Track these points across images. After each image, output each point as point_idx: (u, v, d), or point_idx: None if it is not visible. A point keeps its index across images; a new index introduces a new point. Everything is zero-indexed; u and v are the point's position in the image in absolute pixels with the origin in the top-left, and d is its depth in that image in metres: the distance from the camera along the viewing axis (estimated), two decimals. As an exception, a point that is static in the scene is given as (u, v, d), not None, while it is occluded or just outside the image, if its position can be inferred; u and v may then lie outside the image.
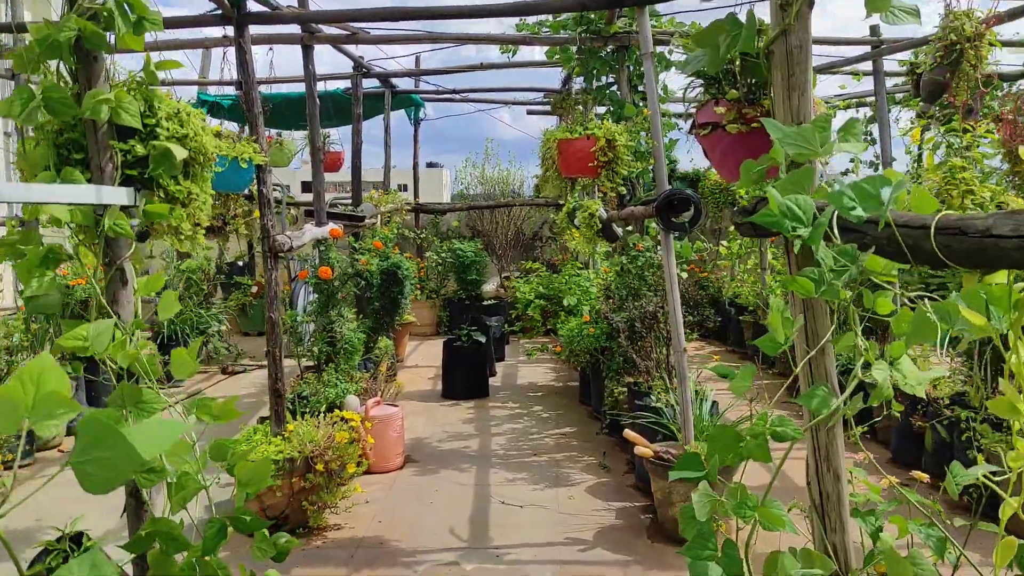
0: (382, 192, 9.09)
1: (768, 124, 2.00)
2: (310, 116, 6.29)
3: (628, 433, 4.73)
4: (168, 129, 2.44)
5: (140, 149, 2.39)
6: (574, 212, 9.72)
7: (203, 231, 2.71)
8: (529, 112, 11.36)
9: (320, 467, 4.51)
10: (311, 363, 6.35)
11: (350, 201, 8.24)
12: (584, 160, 4.39)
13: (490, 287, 11.70)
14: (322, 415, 5.09)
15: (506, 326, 8.60)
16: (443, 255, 11.12)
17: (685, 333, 5.51)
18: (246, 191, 4.79)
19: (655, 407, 5.24)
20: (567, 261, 8.59)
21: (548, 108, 11.06)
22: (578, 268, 7.90)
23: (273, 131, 7.21)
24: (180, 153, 2.39)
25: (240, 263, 11.77)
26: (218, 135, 4.55)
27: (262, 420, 5.07)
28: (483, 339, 7.81)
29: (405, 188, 12.64)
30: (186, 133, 2.48)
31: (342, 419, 4.89)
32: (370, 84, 9.82)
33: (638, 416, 5.18)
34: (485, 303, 10.19)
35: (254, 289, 11.10)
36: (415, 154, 11.46)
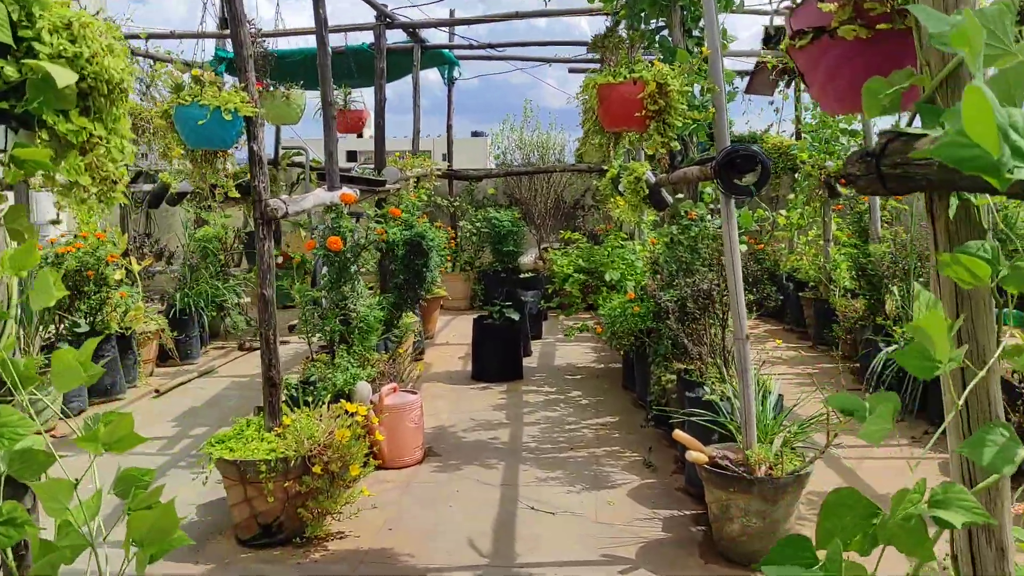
0: (409, 155, 8.42)
1: (920, 11, 1.25)
2: (321, 67, 5.61)
3: (678, 434, 4.02)
4: (52, 46, 1.76)
5: (11, 72, 1.72)
6: (619, 178, 8.94)
7: (119, 189, 2.04)
8: (571, 71, 10.56)
9: (318, 469, 3.89)
10: (325, 342, 5.73)
11: (373, 166, 7.58)
12: (630, 109, 3.65)
13: (527, 259, 11.00)
14: (326, 406, 4.47)
15: (543, 303, 7.90)
16: (478, 224, 10.44)
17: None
18: (235, 148, 4.13)
19: (709, 400, 4.52)
20: (610, 231, 7.84)
21: (592, 66, 10.25)
22: (622, 239, 7.16)
23: (283, 87, 6.57)
24: (64, 78, 1.72)
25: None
26: (198, 80, 3.89)
27: (259, 410, 4.46)
28: (516, 316, 7.13)
29: (445, 158, 11.95)
30: (79, 52, 1.80)
31: (347, 412, 4.25)
32: (398, 39, 9.11)
33: (690, 413, 4.46)
34: (522, 276, 9.50)
35: (279, 259, 10.54)
36: (448, 115, 10.74)
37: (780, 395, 4.58)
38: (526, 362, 7.62)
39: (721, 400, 4.49)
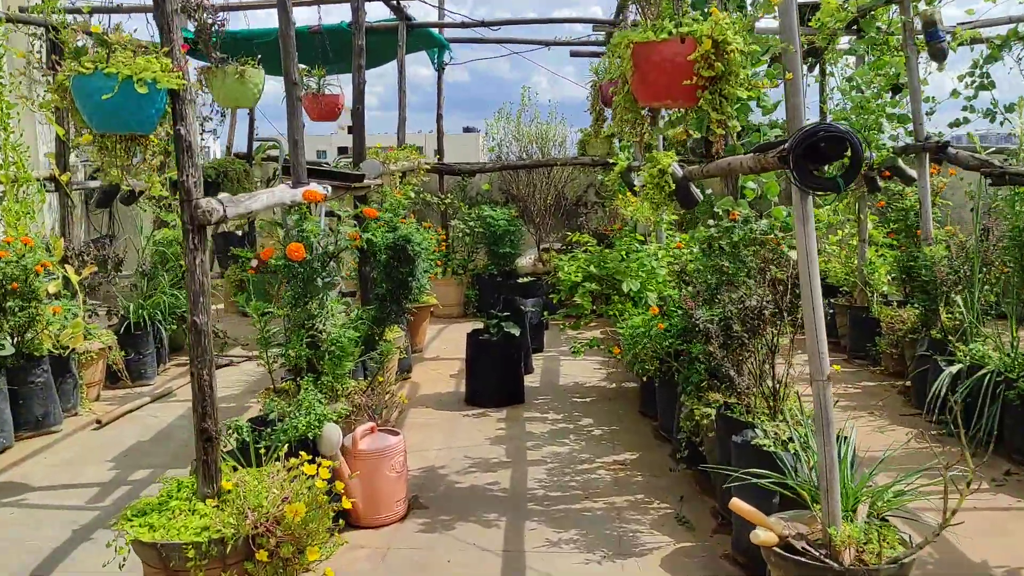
0: (393, 148, 7.47)
1: None
2: (282, 37, 4.65)
3: (737, 505, 3.08)
4: None
5: None
6: (629, 171, 8.00)
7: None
8: (573, 54, 9.62)
9: (264, 555, 2.95)
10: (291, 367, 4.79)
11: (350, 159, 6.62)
12: (676, 75, 2.72)
13: (526, 261, 10.06)
14: (283, 459, 3.53)
15: (545, 314, 6.95)
16: (471, 224, 9.49)
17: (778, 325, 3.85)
18: (157, 131, 3.18)
19: (762, 447, 3.60)
20: (621, 232, 6.92)
21: (599, 49, 9.31)
22: (637, 241, 6.23)
23: (235, 62, 5.59)
24: None
25: (239, 232, 10.28)
26: (103, 41, 2.93)
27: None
28: (517, 331, 6.19)
29: (437, 153, 11.02)
30: None
31: (310, 466, 3.30)
32: (381, 16, 8.16)
33: (737, 463, 3.54)
34: (520, 281, 8.56)
35: (253, 263, 9.57)
36: (438, 104, 9.79)
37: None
38: (528, 380, 6.69)
39: (778, 447, 3.57)
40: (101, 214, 10.04)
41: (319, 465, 3.32)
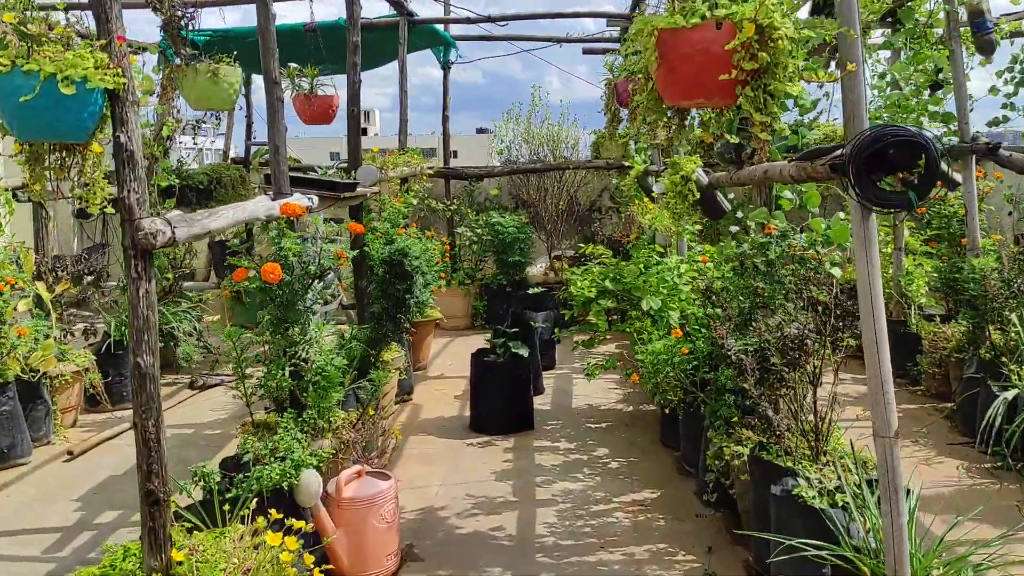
0: (392, 152, 6.98)
1: None
2: (261, 32, 4.18)
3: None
4: None
5: None
6: (646, 176, 7.49)
7: None
8: (586, 51, 9.10)
9: (216, 646, 2.46)
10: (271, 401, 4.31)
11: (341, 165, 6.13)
12: (710, 68, 2.22)
13: (536, 270, 9.56)
14: (251, 517, 3.04)
15: (557, 332, 6.44)
16: (478, 231, 8.99)
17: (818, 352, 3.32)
18: (99, 138, 2.70)
19: (806, 501, 3.09)
20: (638, 241, 6.40)
21: (612, 46, 8.80)
22: (656, 253, 5.72)
23: (208, 59, 5.10)
24: None
25: (238, 240, 9.82)
26: (24, 33, 2.45)
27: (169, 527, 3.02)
28: (525, 352, 5.69)
29: (456, 155, 10.56)
30: None
31: (285, 519, 2.81)
32: (383, 13, 7.68)
33: (781, 524, 3.03)
34: (530, 292, 8.04)
35: (251, 273, 9.13)
36: (444, 105, 9.29)
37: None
38: (537, 402, 6.18)
39: (831, 505, 3.06)
40: (95, 222, 9.62)
41: (287, 530, 2.83)
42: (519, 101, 9.50)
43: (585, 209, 9.78)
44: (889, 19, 6.67)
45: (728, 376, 4.05)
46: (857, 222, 2.37)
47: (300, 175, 4.77)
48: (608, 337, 6.14)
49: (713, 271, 4.77)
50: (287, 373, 4.13)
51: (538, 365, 6.54)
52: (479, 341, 8.56)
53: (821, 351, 3.44)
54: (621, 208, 9.22)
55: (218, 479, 3.46)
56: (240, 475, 3.51)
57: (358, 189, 5.32)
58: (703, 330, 4.94)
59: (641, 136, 8.87)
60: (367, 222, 6.21)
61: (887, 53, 6.98)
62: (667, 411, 4.92)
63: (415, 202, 7.16)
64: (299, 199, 4.25)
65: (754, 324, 3.46)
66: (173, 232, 2.65)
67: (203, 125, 8.77)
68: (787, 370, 3.38)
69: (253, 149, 9.47)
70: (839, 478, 3.32)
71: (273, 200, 4.22)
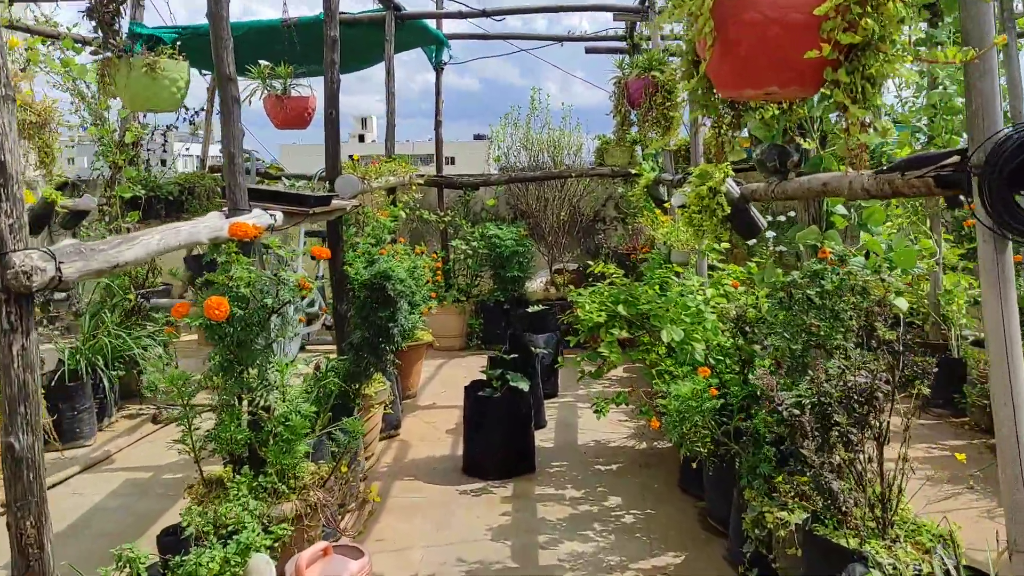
0: (377, 160, 6.31)
1: None
2: (212, 20, 3.51)
3: None
4: None
5: None
6: (656, 185, 6.83)
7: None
8: (589, 50, 8.45)
9: None
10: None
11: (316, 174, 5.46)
12: (790, 44, 1.57)
13: (536, 285, 8.90)
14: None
15: (560, 360, 5.75)
16: (474, 244, 8.34)
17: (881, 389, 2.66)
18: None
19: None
20: (652, 258, 5.74)
21: (618, 44, 8.15)
22: (673, 273, 5.06)
23: (147, 51, 4.43)
24: None
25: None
26: None
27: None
28: (525, 386, 5.02)
29: (453, 162, 9.89)
30: None
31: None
32: (367, 8, 7.02)
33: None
34: (530, 309, 7.38)
35: (192, 309, 8.47)
36: (437, 110, 8.65)
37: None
38: (539, 438, 5.52)
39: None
40: (67, 236, 8.95)
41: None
42: (517, 104, 8.81)
43: (588, 220, 9.13)
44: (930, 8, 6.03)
45: (763, 421, 3.41)
46: (988, 255, 1.72)
47: (263, 188, 4.11)
48: (622, 368, 5.48)
49: (744, 298, 4.11)
50: (243, 424, 3.48)
51: (539, 396, 5.88)
52: (474, 364, 7.91)
53: (891, 404, 2.78)
54: (628, 219, 8.57)
55: (148, 564, 2.81)
56: (178, 558, 2.85)
57: (335, 202, 4.66)
58: (727, 361, 4.28)
59: (651, 141, 8.23)
60: (348, 238, 5.56)
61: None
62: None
63: (403, 215, 6.50)
64: (258, 217, 3.60)
65: (817, 375, 2.79)
66: (59, 269, 1.99)
67: (174, 130, 8.11)
68: (854, 430, 2.72)
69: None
70: (918, 564, 2.67)
71: (228, 217, 3.56)
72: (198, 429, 3.49)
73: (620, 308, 4.82)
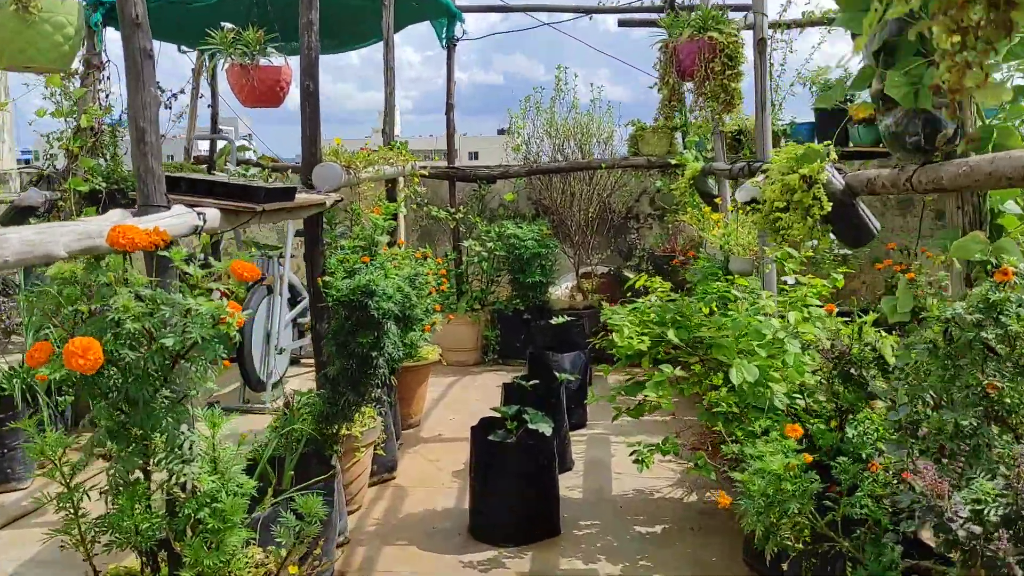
0: (367, 149, 5.28)
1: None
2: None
3: None
4: None
5: None
6: (704, 176, 5.78)
7: None
8: (622, 23, 7.40)
9: None
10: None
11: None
12: None
13: (561, 291, 7.86)
14: None
15: (591, 394, 4.67)
16: (490, 244, 7.32)
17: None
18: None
19: None
20: (703, 265, 4.69)
21: (655, 16, 7.07)
22: (732, 288, 4.00)
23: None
24: None
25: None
26: None
27: None
28: (548, 428, 3.99)
29: (476, 156, 8.88)
30: None
31: None
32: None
33: None
34: (553, 321, 6.33)
35: (216, 294, 7.51)
36: (448, 92, 7.62)
37: None
38: (565, 485, 4.48)
39: None
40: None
41: None
42: (540, 87, 7.74)
43: (620, 217, 8.06)
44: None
45: (872, 505, 2.38)
46: None
47: (197, 176, 3.11)
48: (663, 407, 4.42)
49: (845, 327, 3.06)
50: (148, 507, 2.49)
51: (564, 434, 4.85)
52: (490, 383, 6.88)
53: None
54: (667, 217, 7.49)
55: None
56: None
57: (304, 196, 3.65)
58: (813, 406, 3.24)
59: (693, 127, 7.17)
60: (333, 240, 4.57)
61: None
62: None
63: (404, 212, 5.49)
64: (175, 217, 2.59)
65: (1005, 460, 1.75)
66: None
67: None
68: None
69: (220, 143, 7.85)
70: None
71: (137, 215, 2.57)
72: (85, 516, 2.49)
73: (670, 333, 3.77)
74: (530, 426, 3.95)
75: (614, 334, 3.90)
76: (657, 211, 8.18)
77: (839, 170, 2.84)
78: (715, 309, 3.76)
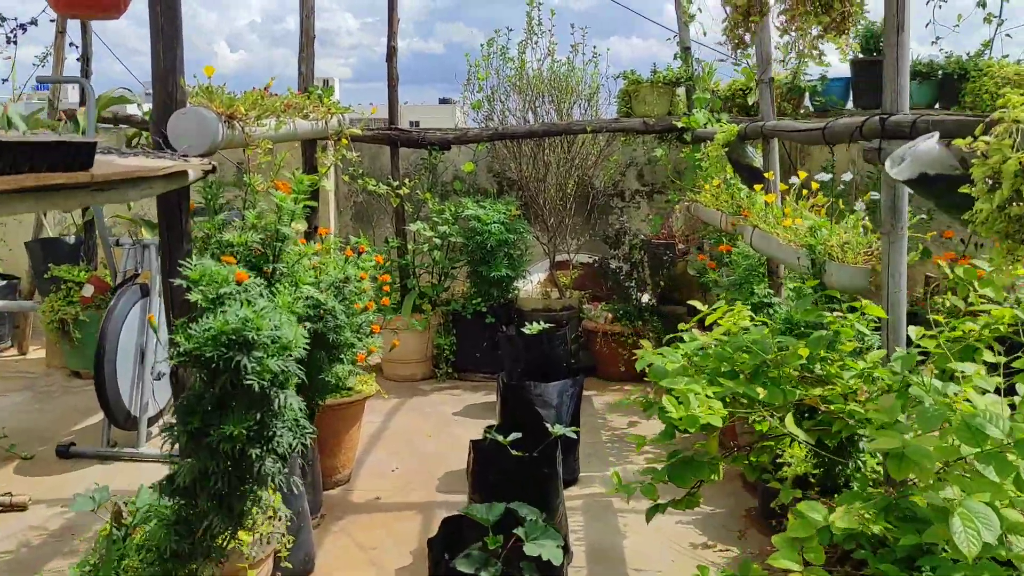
0: (265, 91, 3.59)
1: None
2: None
3: None
4: None
5: None
6: (742, 142, 4.26)
7: None
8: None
9: None
10: None
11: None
12: None
13: (531, 285, 6.30)
14: None
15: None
16: (443, 228, 5.71)
17: None
18: None
19: None
20: (732, 258, 3.19)
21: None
22: (849, 321, 2.50)
23: None
24: None
25: (69, 238, 6.49)
26: None
27: None
28: (557, 553, 2.44)
29: (417, 126, 7.23)
30: None
31: None
32: None
33: None
34: (527, 329, 4.76)
35: (87, 290, 5.81)
36: (390, 35, 5.92)
37: None
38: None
39: None
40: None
41: None
42: (507, 28, 6.08)
43: (604, 195, 6.52)
44: None
45: None
46: None
47: None
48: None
49: None
50: None
51: (561, 517, 3.31)
52: (444, 407, 5.34)
53: None
54: (673, 196, 5.94)
55: None
56: None
57: (135, 161, 2.00)
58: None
59: (701, 80, 5.66)
60: (211, 230, 2.95)
61: None
62: None
63: (328, 186, 3.84)
64: None
65: None
66: None
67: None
68: None
69: (96, 94, 6.04)
70: None
71: None
72: None
73: (760, 391, 2.28)
74: (527, 547, 2.39)
75: (665, 399, 2.36)
76: (646, 187, 6.66)
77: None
78: (850, 365, 2.27)
